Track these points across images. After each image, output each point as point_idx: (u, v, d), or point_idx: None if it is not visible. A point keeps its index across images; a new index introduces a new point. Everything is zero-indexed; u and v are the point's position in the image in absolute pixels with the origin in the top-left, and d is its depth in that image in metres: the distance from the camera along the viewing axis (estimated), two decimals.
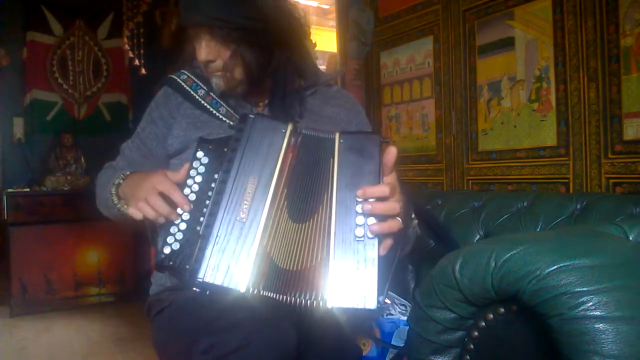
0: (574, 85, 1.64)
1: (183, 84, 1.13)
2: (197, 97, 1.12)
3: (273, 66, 1.07)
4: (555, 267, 0.76)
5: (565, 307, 0.73)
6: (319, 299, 0.81)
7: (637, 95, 1.49)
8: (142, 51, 3.52)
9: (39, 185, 3.64)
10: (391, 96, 2.36)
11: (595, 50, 1.58)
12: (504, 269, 0.81)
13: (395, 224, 0.86)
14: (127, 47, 3.61)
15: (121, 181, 1.04)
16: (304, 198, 0.88)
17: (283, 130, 0.91)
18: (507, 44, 1.84)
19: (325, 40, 3.65)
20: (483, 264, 0.84)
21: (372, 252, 0.84)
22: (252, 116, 0.92)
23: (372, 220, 0.85)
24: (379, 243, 0.84)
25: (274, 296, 0.81)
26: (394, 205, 0.86)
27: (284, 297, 0.82)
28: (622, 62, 1.52)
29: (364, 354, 1.15)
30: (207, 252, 0.82)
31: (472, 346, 0.90)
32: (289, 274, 0.83)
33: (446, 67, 2.07)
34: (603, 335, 0.70)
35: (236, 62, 1.03)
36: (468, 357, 0.91)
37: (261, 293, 0.81)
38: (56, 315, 3.33)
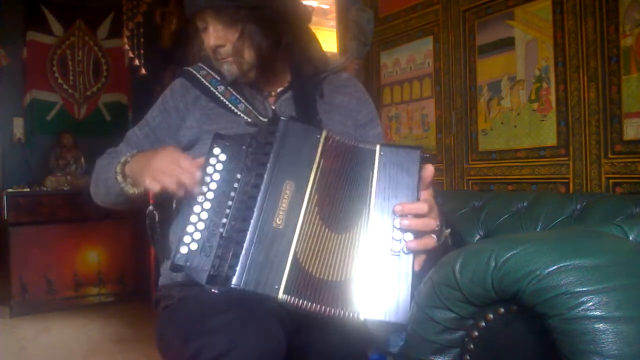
0: (574, 85, 1.64)
1: (203, 79, 1.12)
2: (216, 93, 1.11)
3: (282, 47, 1.06)
4: (555, 267, 0.76)
5: (565, 307, 0.73)
6: (352, 310, 0.82)
7: (637, 95, 1.49)
8: (142, 51, 3.51)
9: (39, 185, 3.64)
10: (391, 96, 2.36)
11: (595, 50, 1.57)
12: (504, 269, 0.81)
13: (431, 241, 0.86)
14: (127, 47, 3.60)
15: (128, 159, 1.02)
16: (341, 207, 0.87)
17: (318, 136, 0.90)
18: (507, 44, 1.84)
19: (325, 40, 3.65)
20: (483, 264, 0.84)
21: (406, 267, 0.84)
22: (284, 118, 0.90)
23: (409, 236, 0.85)
24: (414, 258, 0.85)
25: (308, 305, 0.81)
26: (430, 223, 0.86)
27: (318, 306, 0.81)
28: (622, 62, 1.52)
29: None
30: (242, 258, 0.81)
31: (472, 346, 0.90)
32: (323, 283, 0.83)
33: (446, 67, 2.07)
34: (603, 335, 0.70)
35: (245, 43, 1.02)
36: (468, 357, 0.91)
37: (295, 302, 0.81)
38: (56, 315, 3.33)
